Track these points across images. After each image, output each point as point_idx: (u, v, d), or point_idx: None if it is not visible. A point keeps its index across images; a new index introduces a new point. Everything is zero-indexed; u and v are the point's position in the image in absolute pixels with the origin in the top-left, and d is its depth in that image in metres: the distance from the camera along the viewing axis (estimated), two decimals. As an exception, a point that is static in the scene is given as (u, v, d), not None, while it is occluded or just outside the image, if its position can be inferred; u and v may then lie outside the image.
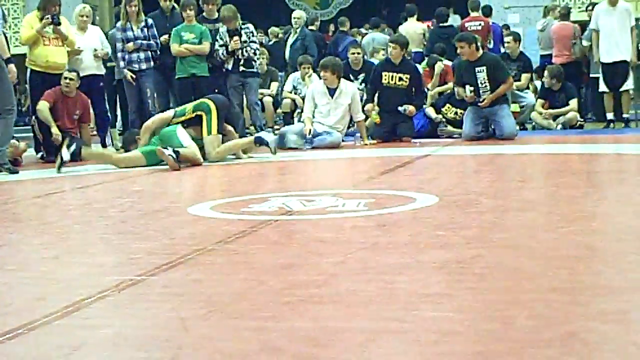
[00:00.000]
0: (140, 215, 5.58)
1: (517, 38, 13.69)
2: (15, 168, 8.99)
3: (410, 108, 11.48)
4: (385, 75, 11.59)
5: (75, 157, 9.09)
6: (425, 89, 12.95)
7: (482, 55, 11.26)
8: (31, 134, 11.32)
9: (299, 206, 5.40)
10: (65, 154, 8.83)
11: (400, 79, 11.57)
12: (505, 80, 11.14)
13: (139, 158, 9.06)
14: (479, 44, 11.48)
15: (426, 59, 14.35)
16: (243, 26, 11.83)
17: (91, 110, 11.21)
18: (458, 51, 11.43)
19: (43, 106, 10.40)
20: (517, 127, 13.21)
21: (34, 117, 10.86)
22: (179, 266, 3.69)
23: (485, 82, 11.05)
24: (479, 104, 11.07)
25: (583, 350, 2.37)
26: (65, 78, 10.51)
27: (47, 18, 10.51)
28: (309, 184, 7.47)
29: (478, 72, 11.08)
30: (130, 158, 9.17)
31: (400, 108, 11.46)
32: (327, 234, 4.43)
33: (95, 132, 12.14)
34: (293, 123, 12.72)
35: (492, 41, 14.97)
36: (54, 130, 10.29)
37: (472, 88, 11.08)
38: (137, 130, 9.99)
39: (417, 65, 13.84)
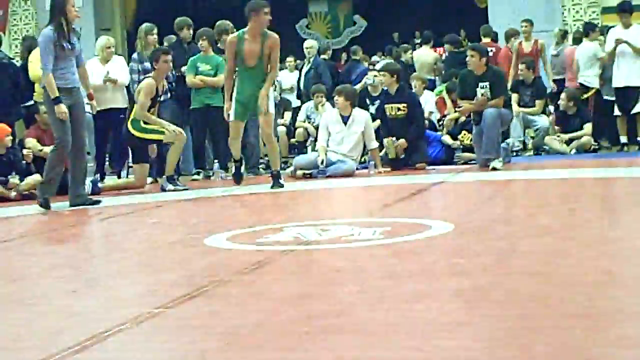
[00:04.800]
0: (157, 247, 5.59)
1: (530, 66, 13.67)
2: (96, 199, 8.99)
3: (399, 142, 11.39)
4: (387, 107, 11.56)
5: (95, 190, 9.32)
6: (441, 116, 12.95)
7: (487, 70, 11.18)
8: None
9: (314, 236, 5.40)
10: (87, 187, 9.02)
11: (399, 109, 11.51)
12: (499, 95, 11.02)
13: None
14: (488, 59, 11.41)
15: (440, 86, 14.35)
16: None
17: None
18: (467, 59, 11.29)
19: (33, 142, 10.36)
20: (532, 152, 13.24)
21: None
22: (197, 298, 3.70)
23: (486, 96, 10.94)
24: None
25: (602, 377, 2.37)
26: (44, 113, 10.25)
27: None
28: (324, 213, 7.47)
29: (481, 87, 11.02)
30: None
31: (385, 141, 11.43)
32: (344, 263, 4.43)
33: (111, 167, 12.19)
34: (306, 152, 12.73)
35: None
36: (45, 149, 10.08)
37: (483, 91, 10.95)
38: None
39: (431, 91, 13.86)
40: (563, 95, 13.27)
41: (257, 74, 9.22)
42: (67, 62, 8.38)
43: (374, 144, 11.23)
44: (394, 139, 11.24)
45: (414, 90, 13.00)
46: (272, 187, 9.15)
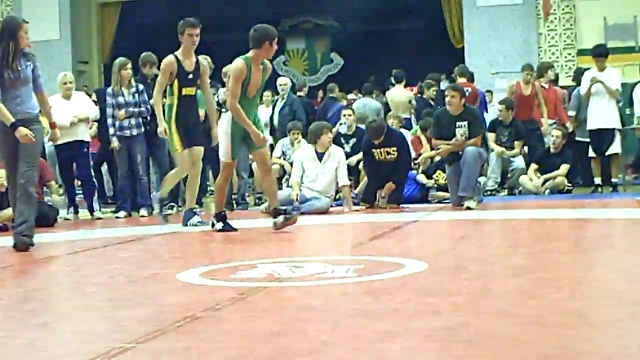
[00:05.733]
0: (129, 282, 5.56)
1: (509, 106, 13.75)
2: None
3: (387, 186, 11.43)
4: (375, 152, 11.56)
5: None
6: (417, 155, 13.00)
7: (464, 110, 11.23)
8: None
9: (287, 273, 5.38)
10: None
11: (389, 152, 11.53)
12: (477, 135, 11.10)
13: None
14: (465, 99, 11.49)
15: (416, 124, 14.42)
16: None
17: (50, 169, 11.18)
18: (447, 100, 11.32)
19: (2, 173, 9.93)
20: (506, 193, 13.28)
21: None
22: (169, 334, 3.68)
23: (465, 136, 11.00)
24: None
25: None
26: None
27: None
28: (297, 250, 7.46)
29: (458, 126, 11.07)
30: None
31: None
32: (317, 301, 4.42)
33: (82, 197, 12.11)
34: (282, 189, 12.73)
35: (478, 107, 15.05)
36: None
37: (462, 130, 11.01)
38: None
39: (407, 130, 13.89)
40: (557, 133, 13.30)
41: (254, 105, 8.77)
42: (14, 91, 7.68)
43: (346, 181, 11.23)
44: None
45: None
46: (276, 225, 8.49)
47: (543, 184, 13.07)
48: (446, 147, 11.18)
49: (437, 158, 12.33)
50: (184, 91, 9.25)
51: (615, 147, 13.00)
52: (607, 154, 13.00)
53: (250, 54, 8.47)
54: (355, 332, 3.57)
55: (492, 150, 13.26)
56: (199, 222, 9.20)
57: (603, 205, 10.77)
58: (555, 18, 20.53)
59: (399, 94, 15.93)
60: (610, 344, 3.22)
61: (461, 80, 14.56)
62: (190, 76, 9.29)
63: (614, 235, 7.73)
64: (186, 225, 9.22)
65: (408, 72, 16.51)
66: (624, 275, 5.05)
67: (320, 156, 11.13)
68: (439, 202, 12.01)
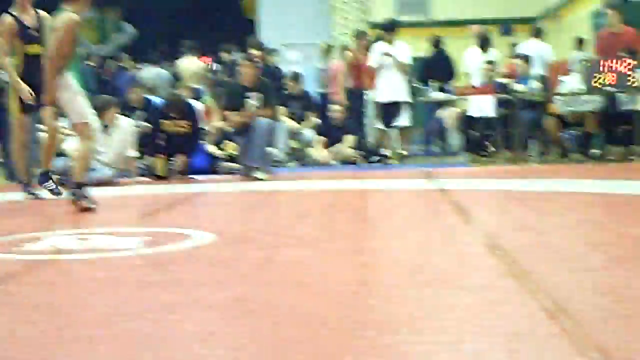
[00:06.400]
0: None
1: (295, 78, 13.91)
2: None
3: (182, 160, 11.42)
4: (166, 123, 11.46)
5: None
6: (207, 124, 13.00)
7: (257, 82, 11.30)
8: None
9: (72, 245, 5.29)
10: None
11: (180, 125, 11.47)
12: (268, 106, 11.20)
13: None
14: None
15: (207, 95, 14.41)
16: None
17: None
18: (242, 70, 11.36)
19: None
20: (296, 163, 13.44)
21: None
22: (-55, 309, 3.56)
23: (256, 107, 11.06)
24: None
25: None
26: None
27: None
28: (82, 222, 7.31)
29: (250, 97, 11.12)
30: None
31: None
32: (102, 274, 4.36)
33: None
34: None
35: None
36: None
37: (253, 102, 11.03)
38: None
39: (197, 101, 13.84)
40: (335, 107, 13.54)
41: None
42: None
43: (133, 153, 11.11)
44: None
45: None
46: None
47: (332, 155, 13.30)
48: (236, 118, 11.21)
49: (227, 129, 12.36)
50: (28, 49, 8.62)
51: (404, 120, 13.34)
52: (396, 125, 13.34)
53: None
54: (139, 304, 3.55)
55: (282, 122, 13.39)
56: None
57: (389, 177, 11.03)
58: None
59: (190, 63, 15.86)
60: (391, 312, 3.30)
61: (253, 52, 14.61)
62: (33, 32, 8.64)
63: (400, 205, 7.93)
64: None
65: (200, 42, 16.44)
66: (408, 245, 5.19)
67: (106, 128, 10.94)
68: (228, 173, 12.04)
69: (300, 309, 3.37)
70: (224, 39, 17.09)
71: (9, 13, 8.64)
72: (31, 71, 8.46)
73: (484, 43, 14.92)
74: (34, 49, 8.57)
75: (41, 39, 8.52)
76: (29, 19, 8.67)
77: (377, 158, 13.46)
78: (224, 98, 12.03)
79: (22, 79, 8.59)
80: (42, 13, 8.70)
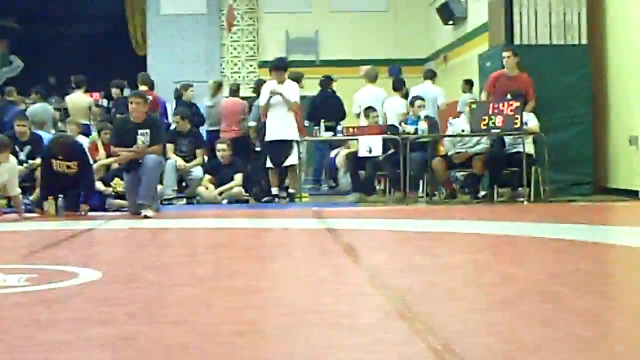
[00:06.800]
0: None
1: (184, 115, 13.91)
2: None
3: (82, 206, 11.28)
4: (55, 163, 11.30)
5: None
6: (94, 161, 12.85)
7: (147, 118, 11.23)
8: None
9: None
10: None
11: (69, 167, 11.31)
12: (158, 143, 11.16)
13: None
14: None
15: (94, 131, 14.26)
16: None
17: None
18: (130, 108, 11.26)
19: None
20: (184, 202, 13.36)
21: None
22: None
23: (146, 144, 10.99)
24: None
25: None
26: None
27: None
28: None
29: (141, 134, 11.04)
30: None
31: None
32: (-13, 311, 4.27)
33: None
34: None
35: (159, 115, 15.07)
36: None
37: (143, 138, 10.94)
38: None
39: (85, 137, 13.70)
40: (222, 146, 13.54)
41: None
42: None
43: (16, 191, 10.90)
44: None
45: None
46: None
47: (220, 194, 13.27)
48: (126, 154, 11.12)
49: (115, 165, 12.25)
50: None
51: (293, 159, 13.38)
52: (284, 165, 13.36)
53: None
54: (25, 343, 3.48)
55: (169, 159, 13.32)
56: None
57: (280, 215, 11.05)
58: (239, 30, 20.93)
59: (79, 99, 15.69)
60: (281, 351, 3.30)
61: (143, 88, 14.54)
62: None
63: (290, 245, 7.95)
64: None
65: (89, 77, 16.28)
66: (298, 284, 5.21)
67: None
68: (116, 210, 11.92)
69: (189, 348, 3.35)
70: (114, 75, 16.96)
71: None
72: None
73: (398, 84, 15.30)
74: None
75: None
76: None
77: (267, 197, 13.48)
78: (113, 134, 11.92)
79: None
80: None
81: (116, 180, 12.19)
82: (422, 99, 14.02)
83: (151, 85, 15.08)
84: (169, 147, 13.36)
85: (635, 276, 5.54)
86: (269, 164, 13.38)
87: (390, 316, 3.97)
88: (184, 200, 13.46)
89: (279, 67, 13.58)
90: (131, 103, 11.28)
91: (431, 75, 15.75)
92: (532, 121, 12.65)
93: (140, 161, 10.98)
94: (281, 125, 13.19)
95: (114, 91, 16.03)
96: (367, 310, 4.17)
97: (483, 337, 3.47)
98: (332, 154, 15.36)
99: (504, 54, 13.23)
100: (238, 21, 20.73)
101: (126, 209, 11.58)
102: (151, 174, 10.92)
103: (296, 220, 10.10)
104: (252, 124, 14.40)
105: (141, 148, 10.97)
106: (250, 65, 20.98)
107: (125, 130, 11.22)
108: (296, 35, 21.03)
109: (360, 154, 13.54)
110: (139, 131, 11.04)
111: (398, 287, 4.79)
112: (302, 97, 13.93)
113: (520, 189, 12.68)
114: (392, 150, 13.41)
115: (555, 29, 13.85)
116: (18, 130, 12.56)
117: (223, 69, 20.72)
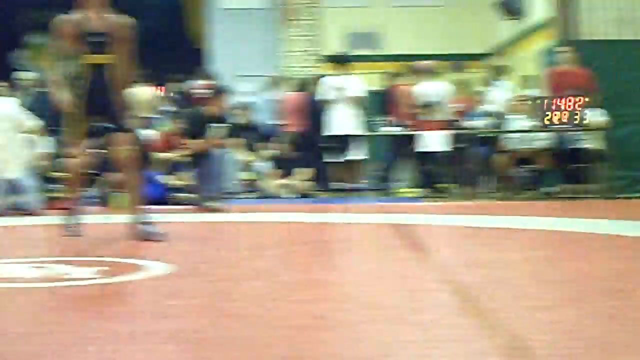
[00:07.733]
0: None
1: (245, 107, 14.00)
2: None
3: None
4: None
5: None
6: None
7: (216, 111, 11.33)
8: None
9: (29, 273, 5.27)
10: None
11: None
12: (224, 136, 11.27)
13: None
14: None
15: (164, 123, 14.41)
16: None
17: None
18: (201, 101, 11.39)
19: None
20: (251, 195, 13.44)
21: None
22: None
23: (216, 136, 11.10)
24: None
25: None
26: None
27: None
28: (35, 250, 7.24)
29: (210, 126, 11.14)
30: None
31: None
32: (59, 303, 4.35)
33: None
34: None
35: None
36: None
37: (216, 130, 11.06)
38: None
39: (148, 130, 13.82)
40: (287, 141, 13.61)
41: None
42: None
43: None
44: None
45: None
46: None
47: (285, 188, 13.33)
48: (197, 146, 11.23)
49: (179, 158, 12.38)
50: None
51: (357, 153, 13.39)
52: (348, 159, 13.38)
53: None
54: (97, 335, 3.54)
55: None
56: None
57: (344, 210, 11.06)
58: (301, 24, 20.92)
59: (143, 92, 15.82)
60: (346, 347, 3.33)
61: (203, 81, 14.65)
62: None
63: (355, 239, 7.97)
64: None
65: (149, 71, 16.41)
66: (363, 279, 5.23)
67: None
68: (182, 203, 12.01)
69: (255, 341, 3.39)
70: (172, 69, 17.05)
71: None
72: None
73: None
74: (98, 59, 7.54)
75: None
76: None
77: (333, 191, 13.50)
78: (185, 126, 12.02)
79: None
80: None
81: (182, 173, 12.28)
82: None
83: (212, 79, 15.17)
84: (235, 141, 13.44)
85: None
86: (332, 158, 13.39)
87: (456, 312, 3.98)
88: (250, 194, 13.53)
89: (341, 61, 13.60)
90: (202, 96, 11.39)
91: (500, 72, 15.64)
92: (598, 117, 12.54)
93: (208, 154, 11.08)
94: (344, 120, 13.19)
95: (174, 85, 16.12)
96: (432, 306, 4.18)
97: (549, 334, 3.47)
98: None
99: (564, 49, 13.14)
100: (299, 15, 20.73)
101: (191, 202, 11.65)
102: (218, 167, 11.01)
103: (361, 215, 10.11)
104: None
105: (212, 140, 11.07)
106: (312, 60, 20.97)
107: (197, 122, 11.33)
108: (357, 30, 21.02)
109: (423, 149, 13.51)
110: (209, 124, 11.15)
111: (463, 283, 4.79)
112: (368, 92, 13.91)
113: (587, 185, 12.58)
114: (456, 145, 13.36)
115: (621, 24, 13.71)
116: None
117: (284, 63, 20.74)
